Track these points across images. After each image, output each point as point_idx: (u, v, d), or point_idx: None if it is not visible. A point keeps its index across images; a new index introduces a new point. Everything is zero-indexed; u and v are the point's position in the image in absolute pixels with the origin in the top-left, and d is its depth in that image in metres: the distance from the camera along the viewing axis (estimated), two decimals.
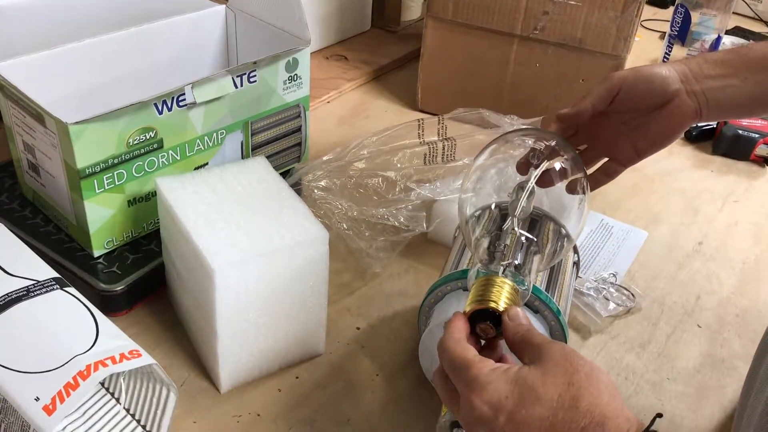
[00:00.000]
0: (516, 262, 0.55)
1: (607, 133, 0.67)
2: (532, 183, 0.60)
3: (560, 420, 0.43)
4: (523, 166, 0.63)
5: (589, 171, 0.69)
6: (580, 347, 0.70)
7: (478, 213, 0.63)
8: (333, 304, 0.71)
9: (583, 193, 0.63)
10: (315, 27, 1.14)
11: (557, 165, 0.63)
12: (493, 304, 0.51)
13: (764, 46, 0.63)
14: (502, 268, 0.54)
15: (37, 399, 0.49)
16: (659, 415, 0.44)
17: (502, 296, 0.51)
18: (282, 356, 0.64)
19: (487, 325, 0.51)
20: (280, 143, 0.81)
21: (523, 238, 0.57)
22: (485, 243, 0.58)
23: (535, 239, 0.59)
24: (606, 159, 0.69)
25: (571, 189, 0.64)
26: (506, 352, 0.51)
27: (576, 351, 0.47)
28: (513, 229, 0.57)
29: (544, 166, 0.62)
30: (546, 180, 0.62)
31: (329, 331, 0.67)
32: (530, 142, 0.65)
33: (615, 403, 0.44)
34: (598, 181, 0.70)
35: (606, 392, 0.44)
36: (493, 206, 0.62)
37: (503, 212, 0.61)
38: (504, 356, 0.51)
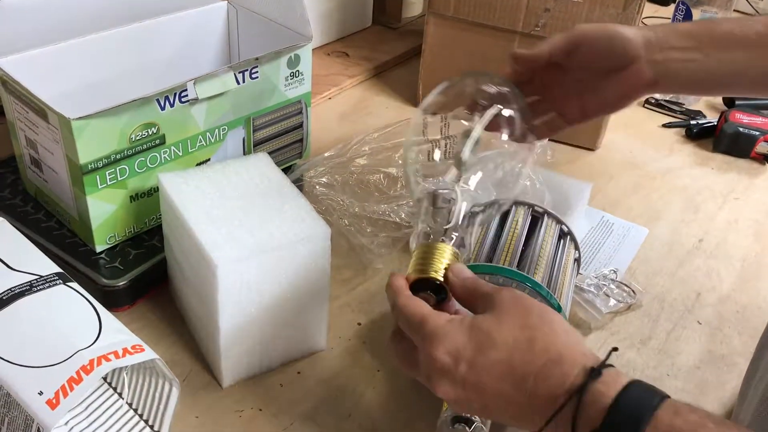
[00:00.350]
0: (456, 224, 0.54)
1: (559, 88, 0.65)
2: (479, 130, 0.59)
3: (518, 362, 0.44)
4: (472, 107, 0.62)
5: (535, 122, 0.68)
6: None
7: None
8: (334, 299, 0.71)
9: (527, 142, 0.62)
10: (316, 23, 1.14)
11: (506, 112, 0.61)
12: (433, 274, 0.51)
13: (732, 22, 0.61)
14: (442, 232, 0.53)
15: (41, 393, 0.49)
16: (615, 349, 0.46)
17: (442, 264, 0.51)
18: (284, 351, 0.64)
19: (427, 295, 0.52)
20: (282, 139, 0.81)
21: (463, 202, 0.56)
22: (426, 204, 0.57)
23: (474, 199, 0.58)
24: (553, 113, 0.67)
25: (515, 139, 0.62)
26: (458, 307, 0.52)
27: (524, 294, 0.48)
28: (455, 185, 0.57)
29: (493, 111, 0.60)
30: (492, 126, 0.61)
31: (331, 326, 0.67)
32: (482, 87, 0.63)
33: (570, 339, 0.45)
34: (539, 132, 0.68)
35: (560, 330, 0.45)
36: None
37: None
38: (458, 311, 0.52)
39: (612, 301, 0.74)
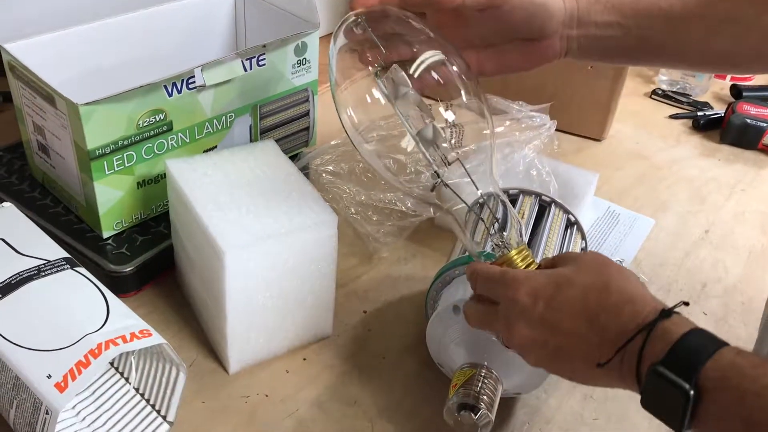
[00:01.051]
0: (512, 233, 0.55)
1: (457, 35, 0.60)
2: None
3: (592, 300, 0.46)
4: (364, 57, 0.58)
5: None
6: None
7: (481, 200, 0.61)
8: (340, 287, 0.71)
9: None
10: (323, 11, 1.13)
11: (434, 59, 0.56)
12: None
13: None
14: (516, 241, 0.54)
15: (49, 377, 0.49)
16: (686, 303, 0.47)
17: (532, 266, 0.53)
18: (290, 338, 0.64)
19: None
20: (289, 127, 0.81)
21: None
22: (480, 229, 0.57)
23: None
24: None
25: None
26: None
27: (607, 257, 0.50)
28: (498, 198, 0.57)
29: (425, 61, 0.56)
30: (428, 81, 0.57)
31: (336, 313, 0.67)
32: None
33: (642, 289, 0.47)
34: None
35: (636, 283, 0.48)
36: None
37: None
38: None
39: None
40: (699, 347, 0.42)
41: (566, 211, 0.68)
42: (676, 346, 0.42)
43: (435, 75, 0.58)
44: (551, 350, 0.48)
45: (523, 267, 0.53)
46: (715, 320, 0.73)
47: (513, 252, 0.53)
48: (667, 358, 0.42)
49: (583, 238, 0.69)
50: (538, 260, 0.59)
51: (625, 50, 0.61)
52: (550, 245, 0.63)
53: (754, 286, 0.78)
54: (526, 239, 0.56)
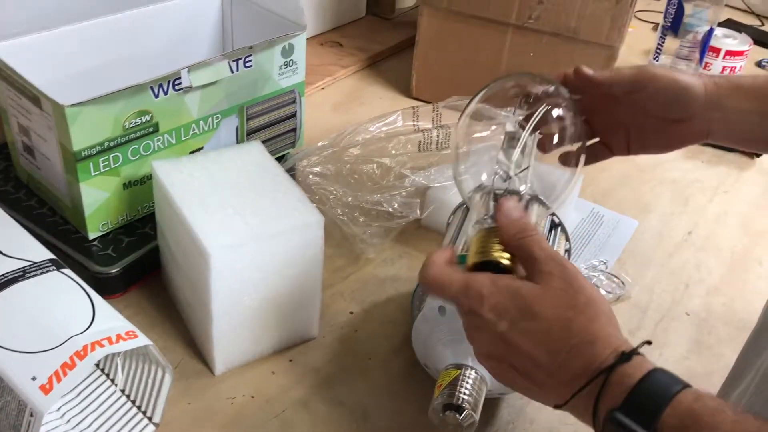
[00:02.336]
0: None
1: (609, 117, 0.64)
2: (527, 133, 0.58)
3: (555, 335, 0.45)
4: (525, 120, 0.60)
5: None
6: None
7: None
8: (327, 288, 0.71)
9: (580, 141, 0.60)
10: (310, 13, 1.14)
11: (555, 112, 0.59)
12: (495, 255, 0.50)
13: None
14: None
15: (34, 378, 0.49)
16: (648, 342, 0.46)
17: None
18: (276, 339, 0.64)
19: None
20: (275, 128, 0.81)
21: (522, 188, 0.56)
22: (481, 199, 0.56)
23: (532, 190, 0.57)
24: (597, 140, 0.67)
25: (566, 158, 0.61)
26: None
27: (578, 272, 0.48)
28: (508, 176, 0.56)
29: (542, 110, 0.59)
30: (540, 128, 0.60)
31: (323, 315, 0.67)
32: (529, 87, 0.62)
33: (609, 327, 0.46)
34: (589, 158, 0.65)
35: (603, 318, 0.46)
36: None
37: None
38: None
39: (602, 292, 0.74)
40: (657, 392, 0.41)
41: (551, 212, 0.68)
42: (634, 392, 0.41)
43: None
44: (505, 368, 0.47)
45: (494, 251, 0.50)
46: (698, 320, 0.74)
47: (482, 233, 0.51)
48: (625, 404, 0.41)
49: (567, 239, 0.69)
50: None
51: (761, 132, 0.61)
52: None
53: (735, 286, 0.79)
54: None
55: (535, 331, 0.45)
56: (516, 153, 0.57)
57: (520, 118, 0.61)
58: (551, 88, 0.61)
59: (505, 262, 0.50)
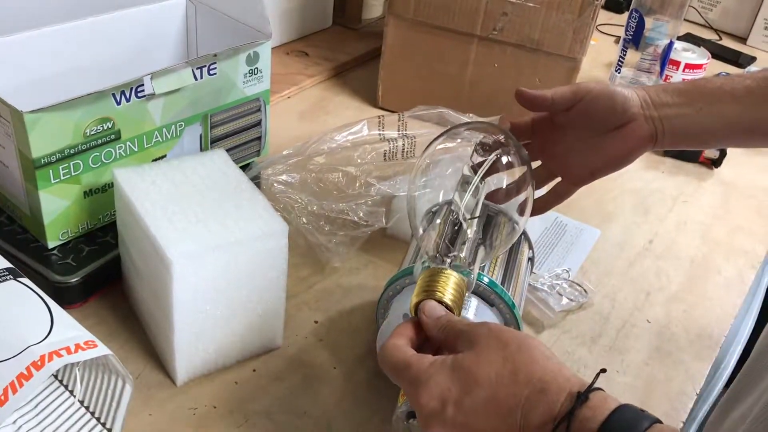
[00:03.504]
0: (461, 255, 0.56)
1: (561, 148, 0.67)
2: (477, 178, 0.61)
3: (503, 396, 0.44)
4: (478, 166, 0.64)
5: (542, 192, 0.71)
6: None
7: (434, 209, 0.64)
8: (291, 297, 0.71)
9: (531, 187, 0.64)
10: (276, 22, 1.13)
11: (504, 159, 0.63)
12: (438, 295, 0.52)
13: (721, 79, 0.64)
14: (448, 261, 0.55)
15: None
16: (603, 371, 0.46)
17: (448, 287, 0.52)
18: (239, 349, 0.64)
19: None
20: (240, 137, 0.81)
21: (469, 232, 0.58)
22: (432, 236, 0.59)
23: (480, 234, 0.60)
24: (558, 179, 0.70)
25: (518, 187, 0.64)
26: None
27: (502, 326, 0.48)
28: (459, 221, 0.58)
29: (492, 158, 0.62)
30: (492, 173, 0.63)
31: (287, 324, 0.67)
32: (478, 136, 0.66)
33: (551, 366, 0.45)
34: (548, 202, 0.70)
35: (540, 358, 0.45)
36: (446, 203, 0.63)
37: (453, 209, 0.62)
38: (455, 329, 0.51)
39: (564, 300, 0.75)
40: None
41: (508, 216, 0.69)
42: None
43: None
44: None
45: (441, 289, 0.52)
46: (659, 327, 0.75)
47: (446, 271, 0.53)
48: None
49: (531, 248, 0.70)
50: (485, 271, 0.60)
51: (703, 128, 0.63)
52: (498, 255, 0.64)
53: (695, 293, 0.81)
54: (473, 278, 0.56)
55: (483, 402, 0.44)
56: (466, 198, 0.60)
57: (474, 163, 0.64)
58: (502, 138, 0.64)
59: (448, 301, 0.52)
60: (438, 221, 0.61)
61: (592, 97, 0.64)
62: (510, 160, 0.64)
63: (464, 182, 0.61)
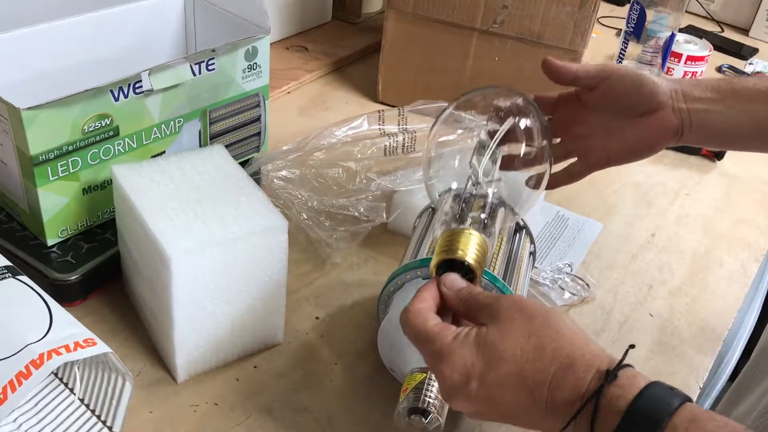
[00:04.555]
0: (481, 216, 0.55)
1: (582, 128, 0.66)
2: (494, 143, 0.59)
3: (528, 372, 0.44)
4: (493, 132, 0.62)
5: (556, 168, 0.69)
6: None
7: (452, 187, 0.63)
8: (292, 293, 0.71)
9: (549, 161, 0.62)
10: (275, 17, 1.13)
11: (523, 124, 0.61)
12: (460, 254, 0.50)
13: (755, 79, 0.63)
14: (468, 221, 0.53)
15: None
16: (632, 346, 0.44)
17: (470, 247, 0.51)
18: (240, 345, 0.63)
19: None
20: (239, 132, 0.80)
21: (489, 193, 0.56)
22: (449, 200, 0.57)
23: (498, 197, 0.59)
24: (573, 159, 0.68)
25: (536, 156, 0.62)
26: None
27: (525, 299, 0.48)
28: (478, 184, 0.57)
29: (509, 122, 0.60)
30: (511, 141, 0.61)
31: (288, 320, 0.67)
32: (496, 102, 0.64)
33: (578, 340, 0.44)
34: (559, 180, 0.68)
35: (567, 332, 0.45)
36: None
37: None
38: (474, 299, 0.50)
39: (567, 294, 0.75)
40: (649, 416, 0.40)
41: (515, 215, 0.69)
42: (627, 416, 0.40)
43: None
44: (497, 417, 0.47)
45: (463, 247, 0.51)
46: (661, 321, 0.75)
47: (467, 230, 0.51)
48: (621, 429, 0.40)
49: (532, 242, 0.70)
50: (486, 266, 0.60)
51: (732, 127, 0.62)
52: (499, 249, 0.63)
53: (697, 287, 0.80)
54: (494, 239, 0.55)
55: (508, 377, 0.44)
56: (484, 161, 0.58)
57: (492, 128, 0.62)
58: (521, 101, 0.62)
59: (471, 261, 0.50)
60: (455, 186, 0.59)
61: (619, 77, 0.62)
62: (529, 126, 0.61)
63: (481, 146, 0.59)
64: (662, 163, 1.03)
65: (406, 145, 0.84)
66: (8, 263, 0.57)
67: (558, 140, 0.68)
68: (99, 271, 0.67)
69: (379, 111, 0.86)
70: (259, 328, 0.64)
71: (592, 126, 0.65)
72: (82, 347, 0.50)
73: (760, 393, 0.55)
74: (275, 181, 0.80)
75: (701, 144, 0.66)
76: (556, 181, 0.68)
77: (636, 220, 0.90)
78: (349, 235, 0.78)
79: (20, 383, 0.48)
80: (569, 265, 0.78)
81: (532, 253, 0.70)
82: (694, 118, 0.62)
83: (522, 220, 0.69)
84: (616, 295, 0.77)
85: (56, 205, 0.66)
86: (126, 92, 0.66)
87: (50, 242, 0.67)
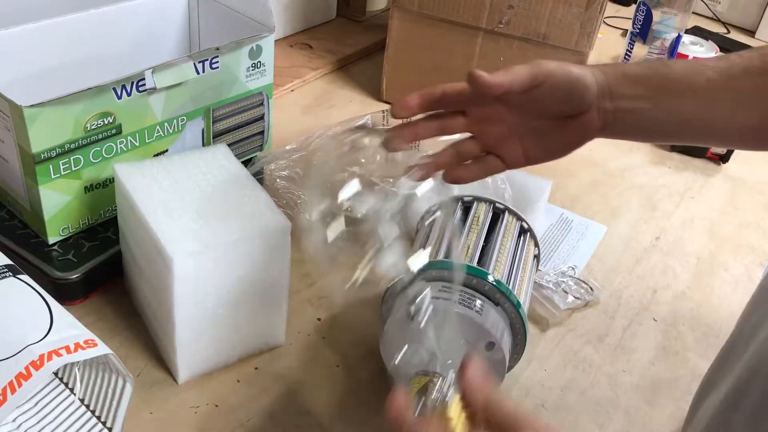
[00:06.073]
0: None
1: (499, 128, 0.61)
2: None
3: None
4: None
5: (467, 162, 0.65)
6: (538, 339, 0.71)
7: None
8: (294, 294, 0.70)
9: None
10: (280, 14, 1.12)
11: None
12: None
13: (685, 66, 0.59)
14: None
15: None
16: None
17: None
18: (241, 346, 0.63)
19: None
20: (242, 131, 0.80)
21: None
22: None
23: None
24: (489, 155, 0.63)
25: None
26: None
27: None
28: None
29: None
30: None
31: (290, 321, 0.66)
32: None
33: None
34: (475, 173, 0.63)
35: None
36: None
37: None
38: None
39: (570, 298, 0.74)
40: None
41: (519, 219, 0.68)
42: None
43: None
44: None
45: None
46: (665, 326, 0.75)
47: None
48: None
49: (536, 245, 0.69)
50: (490, 270, 0.59)
51: (656, 124, 0.59)
52: (503, 253, 0.63)
53: (702, 291, 0.80)
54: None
55: None
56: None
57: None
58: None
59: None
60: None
61: (551, 85, 0.58)
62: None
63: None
64: (666, 166, 1.02)
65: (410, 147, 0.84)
66: (9, 262, 0.57)
67: (469, 135, 0.63)
68: (100, 269, 0.67)
69: (383, 111, 0.86)
70: (261, 330, 0.63)
71: (511, 126, 0.61)
72: (83, 348, 0.50)
73: (725, 387, 0.53)
74: (278, 180, 0.80)
75: (623, 138, 0.62)
76: (472, 174, 0.63)
77: (640, 223, 0.89)
78: (352, 235, 0.78)
79: (20, 384, 0.47)
80: (573, 269, 0.78)
81: (536, 257, 0.69)
82: (618, 117, 0.59)
83: (526, 222, 0.68)
84: (620, 299, 0.77)
85: (58, 203, 0.66)
86: (129, 90, 0.65)
87: (51, 240, 0.67)
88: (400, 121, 0.86)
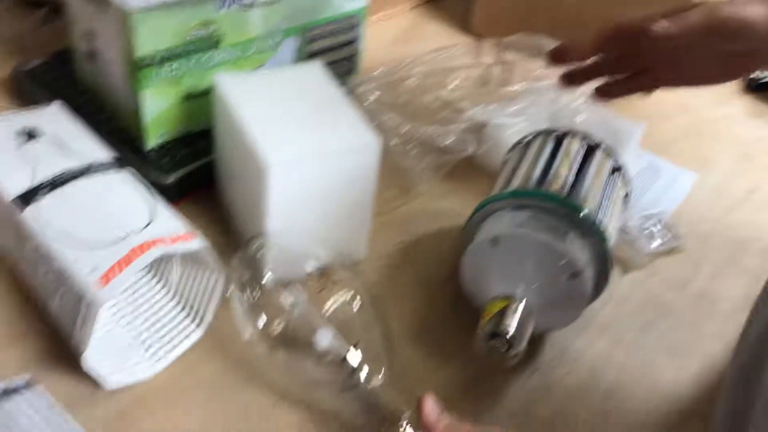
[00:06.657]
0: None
1: (660, 54, 0.60)
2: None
3: None
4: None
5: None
6: (618, 282, 0.70)
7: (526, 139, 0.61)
8: (377, 216, 0.71)
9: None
10: None
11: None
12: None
13: None
14: None
15: (91, 272, 0.50)
16: None
17: None
18: (324, 258, 0.64)
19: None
20: (335, 53, 0.80)
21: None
22: None
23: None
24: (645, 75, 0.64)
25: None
26: None
27: None
28: None
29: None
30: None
31: (370, 243, 0.67)
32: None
33: None
34: (623, 89, 0.66)
35: None
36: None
37: None
38: None
39: (654, 243, 0.73)
40: None
41: (612, 156, 0.67)
42: None
43: None
44: None
45: None
46: (749, 278, 0.72)
47: None
48: None
49: (627, 184, 0.68)
50: (580, 201, 0.59)
51: None
52: (594, 187, 0.62)
53: None
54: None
55: None
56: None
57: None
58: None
59: None
60: None
61: (724, 33, 0.57)
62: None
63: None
64: (765, 119, 0.97)
65: (501, 77, 0.83)
66: (116, 155, 0.59)
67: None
68: (193, 176, 0.69)
69: (475, 41, 0.84)
70: (345, 242, 0.64)
71: (673, 55, 0.60)
72: (181, 241, 0.52)
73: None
74: (366, 104, 0.80)
75: None
76: (624, 90, 0.66)
77: (733, 175, 0.86)
78: (435, 164, 0.78)
79: (122, 269, 0.50)
80: (660, 214, 0.76)
81: (627, 195, 0.68)
82: None
83: (619, 160, 0.67)
84: (706, 248, 0.75)
85: (157, 109, 0.68)
86: (231, 2, 0.66)
87: (149, 144, 0.70)
88: (492, 54, 0.84)
